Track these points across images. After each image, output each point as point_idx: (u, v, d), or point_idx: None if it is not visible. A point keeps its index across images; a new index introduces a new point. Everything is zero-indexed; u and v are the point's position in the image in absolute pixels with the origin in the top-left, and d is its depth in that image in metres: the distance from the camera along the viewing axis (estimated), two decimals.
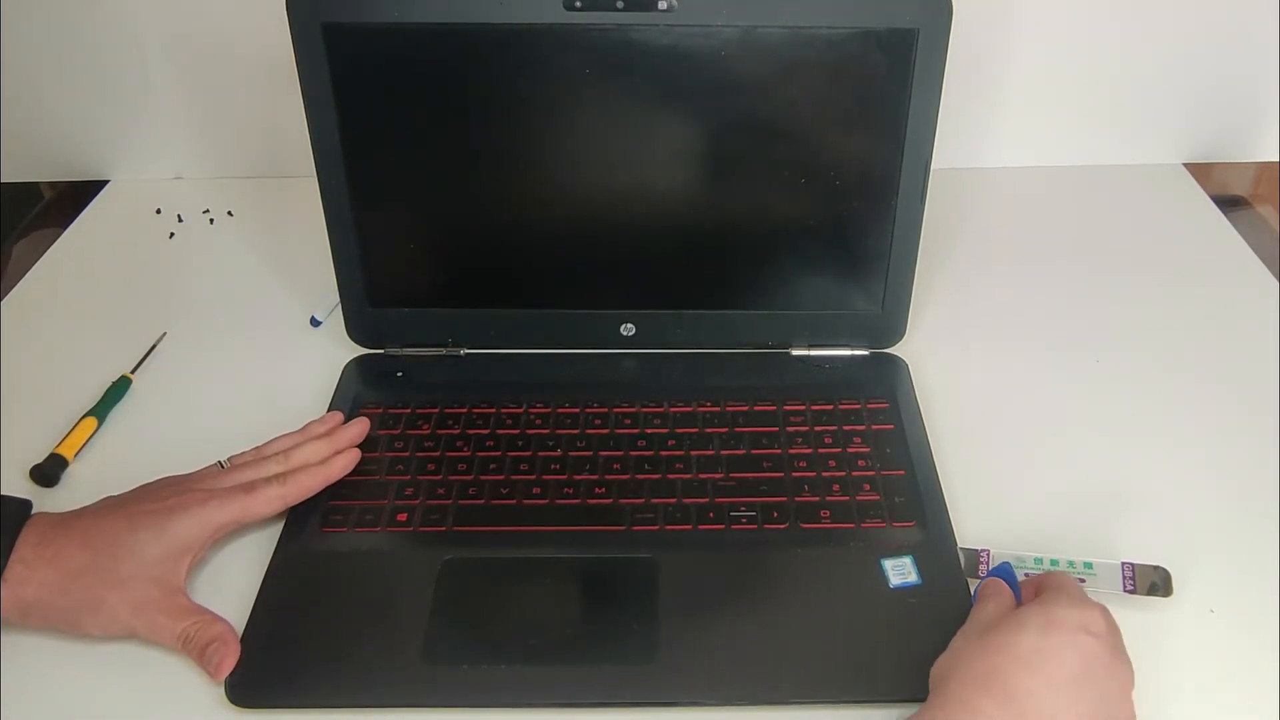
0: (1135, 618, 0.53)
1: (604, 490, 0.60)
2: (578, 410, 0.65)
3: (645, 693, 0.50)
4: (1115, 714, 0.46)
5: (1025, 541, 0.57)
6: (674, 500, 0.60)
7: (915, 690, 0.50)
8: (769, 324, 0.70)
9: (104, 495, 0.57)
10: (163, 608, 0.52)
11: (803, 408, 0.65)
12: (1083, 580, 0.54)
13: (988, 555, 0.56)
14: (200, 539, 0.55)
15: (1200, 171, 0.91)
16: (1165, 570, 0.54)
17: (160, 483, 0.58)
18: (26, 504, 0.54)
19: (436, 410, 0.66)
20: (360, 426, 0.63)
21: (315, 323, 0.75)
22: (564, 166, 0.65)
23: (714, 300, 0.69)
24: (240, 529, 0.58)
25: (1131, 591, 0.53)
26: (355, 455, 0.61)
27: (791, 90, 0.62)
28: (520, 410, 0.65)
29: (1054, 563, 0.55)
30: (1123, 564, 0.55)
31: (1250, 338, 0.72)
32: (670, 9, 0.59)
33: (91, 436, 0.66)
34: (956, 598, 0.54)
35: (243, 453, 0.61)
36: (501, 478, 0.61)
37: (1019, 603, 0.50)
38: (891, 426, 0.64)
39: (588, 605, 0.54)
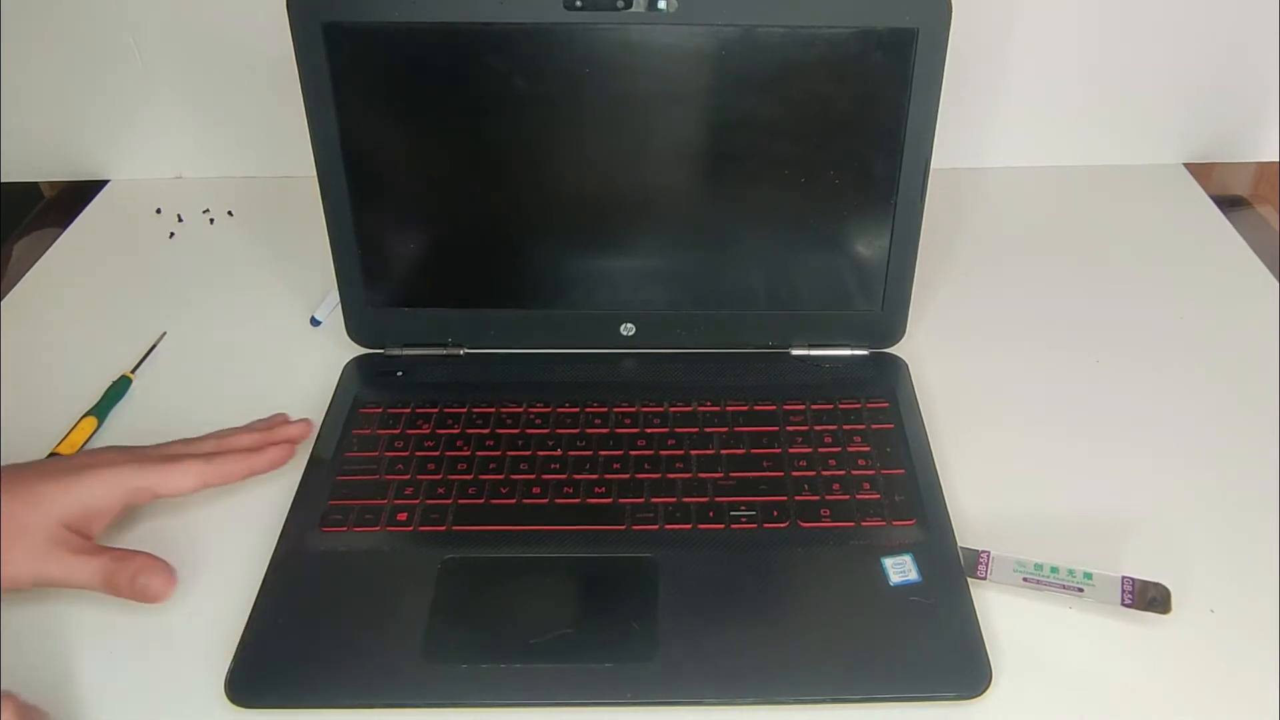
0: (1134, 618, 0.53)
1: (604, 490, 0.60)
2: (578, 410, 0.65)
3: (645, 691, 0.50)
4: None
5: (1024, 541, 0.57)
6: (674, 500, 0.60)
7: (915, 687, 0.50)
8: (769, 324, 0.70)
9: None
10: (71, 549, 0.51)
11: (802, 407, 0.65)
12: (1080, 590, 0.54)
13: (988, 556, 0.56)
14: (109, 501, 0.53)
15: (1200, 171, 0.91)
16: (1165, 587, 0.54)
17: (105, 446, 0.57)
18: None
19: (436, 410, 0.66)
20: (301, 427, 0.63)
21: (315, 323, 0.75)
22: (564, 166, 0.65)
23: (714, 300, 0.69)
24: (157, 500, 0.56)
25: (1130, 605, 0.53)
26: (288, 451, 0.60)
27: (791, 90, 0.62)
28: (520, 410, 0.65)
29: (1054, 570, 0.55)
30: (1122, 578, 0.54)
31: (1250, 338, 0.72)
32: (670, 8, 0.59)
33: (91, 436, 0.66)
34: (957, 595, 0.54)
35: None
36: (501, 477, 0.61)
37: None
38: (891, 426, 0.64)
39: (588, 604, 0.54)
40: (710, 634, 0.52)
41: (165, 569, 0.51)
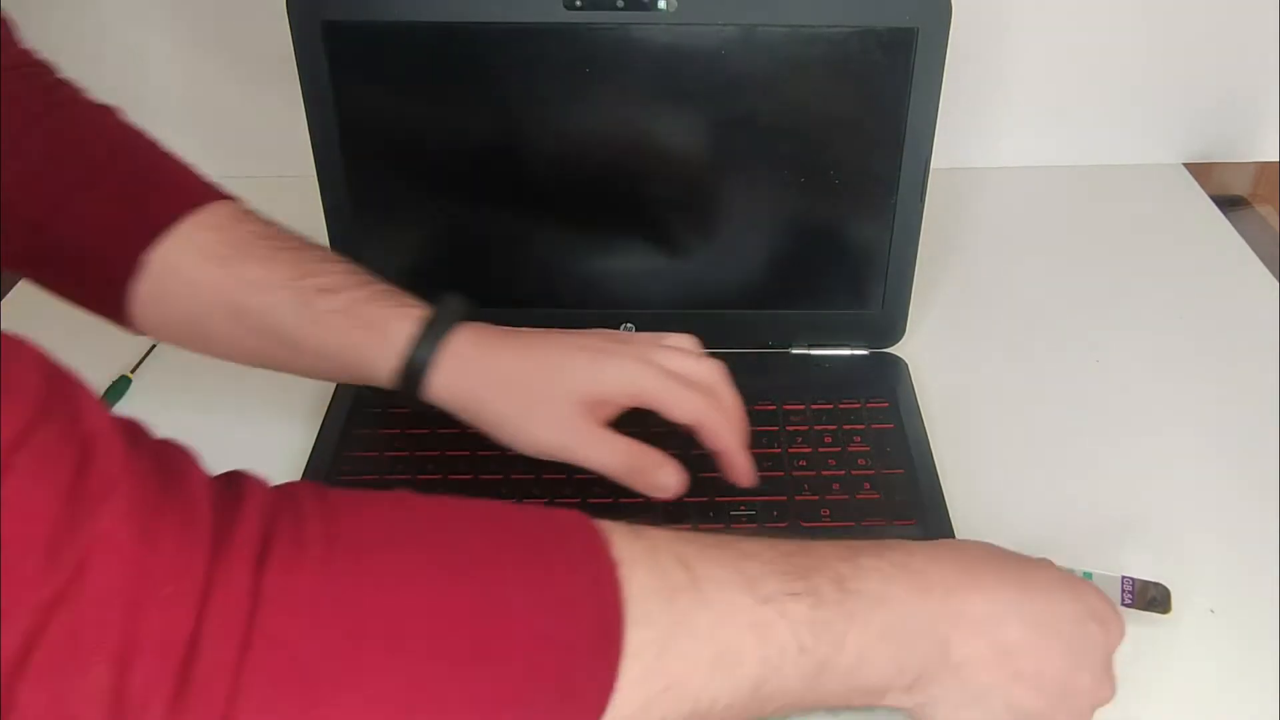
0: (1134, 618, 0.53)
1: (604, 490, 0.60)
2: None
3: None
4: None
5: (1024, 541, 0.57)
6: (673, 499, 0.59)
7: None
8: (769, 324, 0.70)
9: None
10: (597, 426, 0.51)
11: (802, 407, 0.65)
12: None
13: None
14: (622, 394, 0.51)
15: (1200, 171, 0.91)
16: (1165, 587, 0.54)
17: (616, 332, 0.55)
18: (464, 304, 0.53)
19: (437, 410, 0.65)
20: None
21: None
22: (563, 166, 0.65)
23: (713, 300, 0.69)
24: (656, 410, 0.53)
25: (1130, 605, 0.53)
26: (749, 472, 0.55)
27: (791, 89, 0.62)
28: None
29: None
30: (1123, 578, 0.54)
31: (1250, 338, 0.72)
32: (670, 8, 0.59)
33: None
34: None
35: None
36: (501, 478, 0.61)
37: None
38: (891, 426, 0.64)
39: None
40: None
41: (680, 468, 0.51)
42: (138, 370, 0.71)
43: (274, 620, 0.31)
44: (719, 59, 0.61)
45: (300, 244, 0.53)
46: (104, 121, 0.56)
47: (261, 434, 0.64)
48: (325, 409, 0.66)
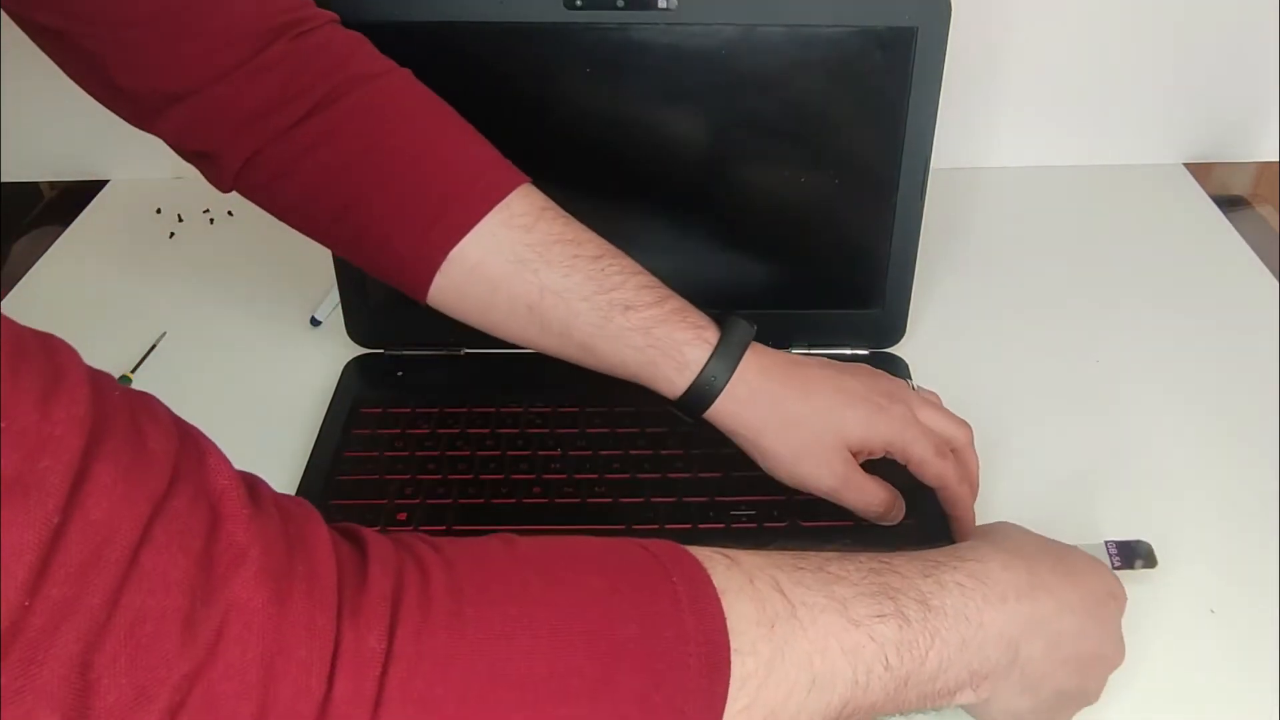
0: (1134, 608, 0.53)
1: (604, 490, 0.60)
2: (577, 410, 0.65)
3: None
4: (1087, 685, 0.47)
5: None
6: (674, 499, 0.60)
7: None
8: (769, 324, 0.69)
9: None
10: (860, 471, 0.54)
11: None
12: None
13: None
14: (878, 447, 0.54)
15: (1200, 171, 0.91)
16: (1147, 543, 0.55)
17: (879, 374, 0.57)
18: (750, 327, 0.54)
19: (436, 410, 0.65)
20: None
21: (315, 323, 0.75)
22: (563, 165, 0.65)
23: (713, 300, 0.69)
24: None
25: (1119, 569, 0.54)
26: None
27: (791, 89, 0.62)
28: (520, 410, 0.65)
29: None
30: (1106, 543, 0.55)
31: (1250, 338, 0.72)
32: (670, 8, 0.59)
33: None
34: None
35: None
36: (501, 477, 0.61)
37: None
38: None
39: None
40: None
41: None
42: (138, 370, 0.71)
43: (406, 678, 0.31)
44: (719, 59, 0.61)
45: (596, 249, 0.54)
46: (402, 98, 0.55)
47: (262, 434, 0.64)
48: (325, 410, 0.66)
